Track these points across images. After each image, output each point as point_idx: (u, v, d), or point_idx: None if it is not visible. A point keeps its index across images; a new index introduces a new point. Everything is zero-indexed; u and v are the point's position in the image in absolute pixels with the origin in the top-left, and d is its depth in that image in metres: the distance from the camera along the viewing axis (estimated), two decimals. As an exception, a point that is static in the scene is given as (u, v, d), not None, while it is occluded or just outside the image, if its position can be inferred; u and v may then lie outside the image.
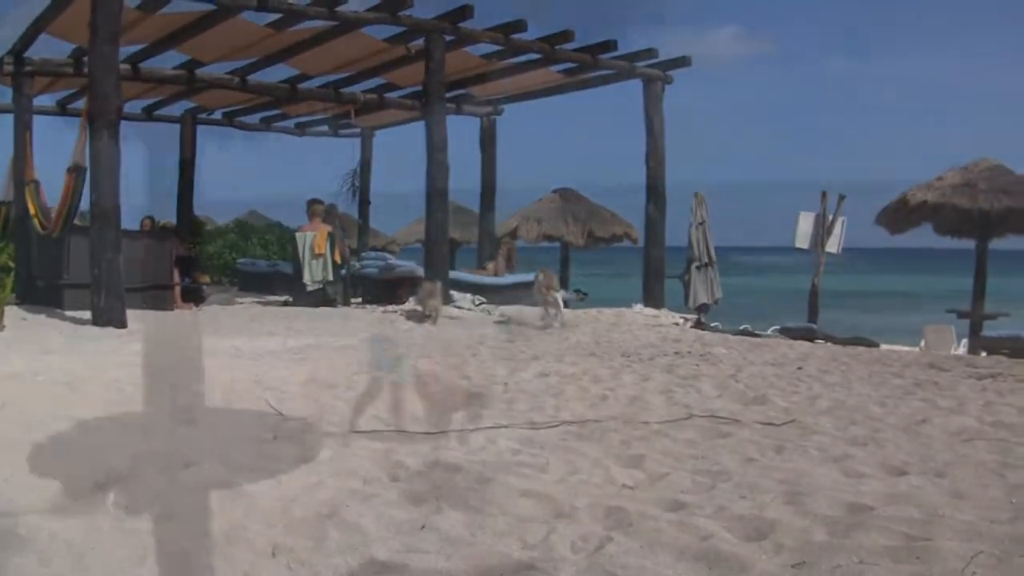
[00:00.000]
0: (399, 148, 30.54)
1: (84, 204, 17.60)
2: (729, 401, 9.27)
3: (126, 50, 19.27)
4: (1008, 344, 18.48)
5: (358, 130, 30.18)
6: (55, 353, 11.93)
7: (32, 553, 4.73)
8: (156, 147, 26.93)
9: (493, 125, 27.35)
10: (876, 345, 19.49)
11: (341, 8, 18.61)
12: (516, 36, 20.78)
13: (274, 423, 7.75)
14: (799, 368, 11.49)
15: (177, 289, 20.26)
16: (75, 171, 17.46)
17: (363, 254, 25.06)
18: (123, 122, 17.06)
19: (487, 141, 27.33)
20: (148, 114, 27.34)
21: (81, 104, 21.21)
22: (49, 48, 20.69)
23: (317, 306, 20.60)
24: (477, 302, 20.83)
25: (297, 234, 21.97)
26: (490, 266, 24.73)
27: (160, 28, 19.60)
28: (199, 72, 23.06)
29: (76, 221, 18.37)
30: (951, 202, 21.98)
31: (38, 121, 21.65)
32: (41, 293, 19.04)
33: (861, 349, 15.75)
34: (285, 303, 21.98)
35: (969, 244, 22.89)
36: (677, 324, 20.18)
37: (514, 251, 26.01)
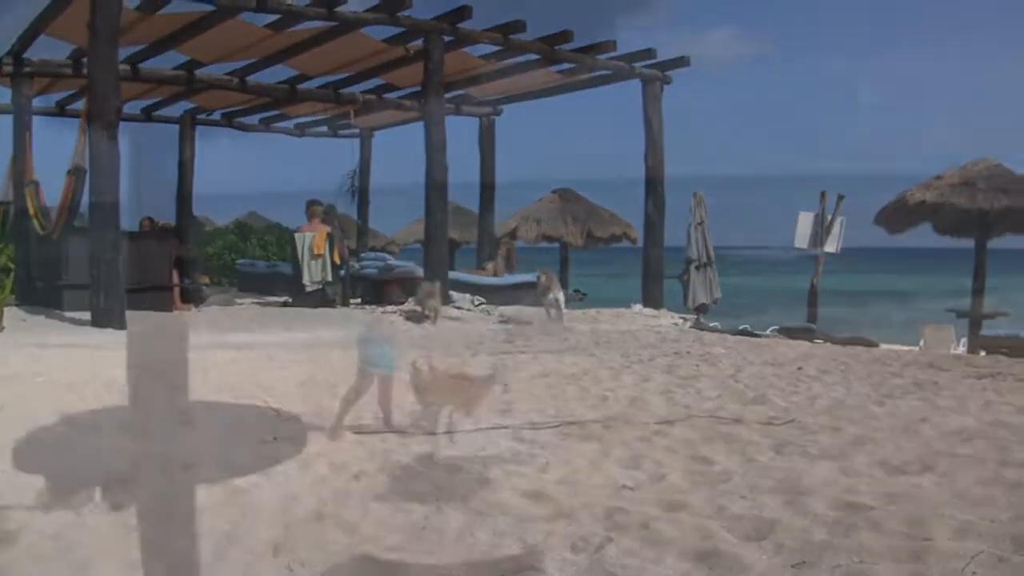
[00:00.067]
0: (398, 149, 30.55)
1: (84, 205, 17.62)
2: (729, 401, 9.27)
3: (125, 51, 19.25)
4: (1007, 343, 18.48)
5: (357, 131, 30.17)
6: (55, 354, 11.94)
7: (21, 548, 4.76)
8: (155, 148, 26.90)
9: (492, 125, 27.35)
10: (875, 345, 19.48)
11: (340, 9, 18.60)
12: (515, 36, 20.75)
13: (273, 423, 7.77)
14: (799, 368, 11.49)
15: (176, 290, 20.24)
16: (75, 172, 17.46)
17: (362, 255, 25.04)
18: (122, 123, 17.08)
19: (486, 141, 27.32)
20: (147, 115, 27.32)
21: (80, 105, 21.20)
22: (48, 49, 20.68)
23: (316, 307, 20.58)
24: (477, 302, 20.83)
25: (296, 235, 21.94)
26: (489, 266, 24.73)
27: (159, 29, 19.58)
28: (198, 73, 23.05)
29: (75, 222, 18.37)
30: (950, 201, 21.97)
31: (37, 122, 21.64)
32: (40, 294, 19.04)
33: (860, 349, 15.74)
34: (284, 304, 21.96)
35: (968, 243, 22.88)
36: (676, 324, 20.17)
37: (513, 251, 26.01)
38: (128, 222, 17.73)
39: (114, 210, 15.83)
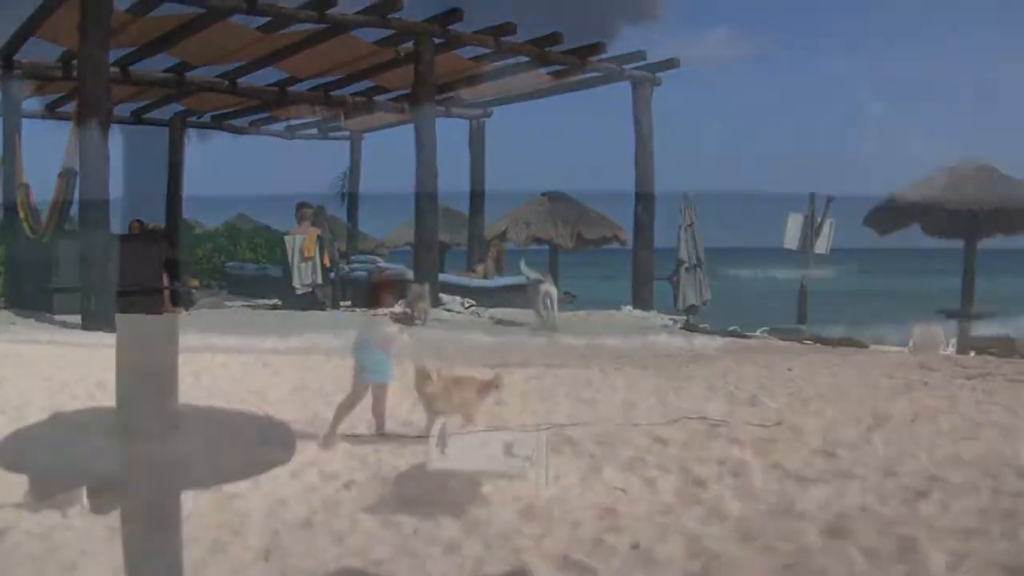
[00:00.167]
0: (388, 151, 30.54)
1: (74, 208, 17.59)
2: (720, 403, 9.29)
3: (116, 52, 19.20)
4: (996, 344, 18.54)
5: (347, 133, 30.13)
6: (45, 357, 11.92)
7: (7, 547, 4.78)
8: (145, 150, 26.82)
9: (482, 127, 27.34)
10: (865, 346, 19.53)
11: (331, 11, 18.57)
12: (506, 39, 20.75)
13: (264, 428, 7.75)
14: (788, 370, 11.52)
15: (166, 293, 20.18)
16: (65, 175, 17.43)
17: (352, 257, 25.02)
18: (113, 125, 17.05)
19: (476, 143, 27.29)
20: (137, 117, 27.22)
21: (71, 107, 21.15)
22: (38, 51, 20.63)
23: (306, 309, 20.56)
24: (467, 305, 20.83)
25: (286, 237, 21.92)
26: (479, 268, 24.73)
27: (150, 31, 19.54)
28: (189, 75, 22.99)
29: (66, 225, 18.34)
30: (939, 203, 21.98)
31: (27, 124, 21.62)
32: (30, 297, 18.98)
33: (851, 350, 15.77)
34: (274, 306, 21.92)
35: (957, 244, 22.89)
36: (666, 326, 20.19)
37: (503, 254, 25.99)
38: (118, 225, 17.68)
39: (104, 213, 15.81)
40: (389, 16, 19.20)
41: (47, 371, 10.41)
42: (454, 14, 19.73)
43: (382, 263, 23.64)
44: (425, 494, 6.14)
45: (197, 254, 28.71)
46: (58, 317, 16.98)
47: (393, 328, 7.88)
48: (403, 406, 8.63)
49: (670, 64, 23.18)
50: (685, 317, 21.66)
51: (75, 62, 18.14)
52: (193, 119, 28.21)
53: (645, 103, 23.16)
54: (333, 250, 22.11)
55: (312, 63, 22.01)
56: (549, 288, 18.48)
